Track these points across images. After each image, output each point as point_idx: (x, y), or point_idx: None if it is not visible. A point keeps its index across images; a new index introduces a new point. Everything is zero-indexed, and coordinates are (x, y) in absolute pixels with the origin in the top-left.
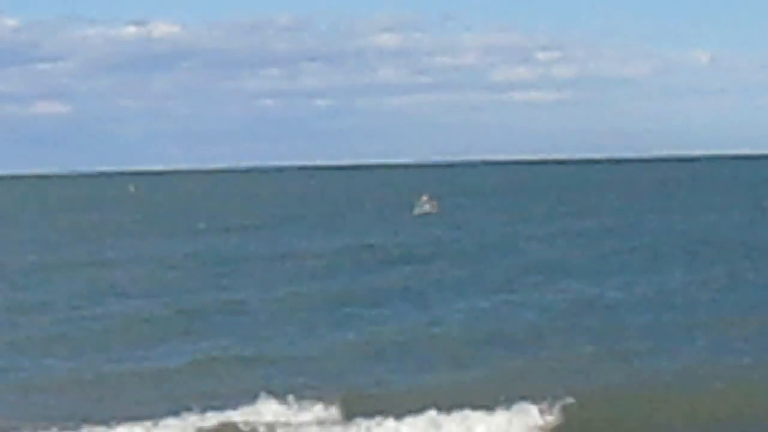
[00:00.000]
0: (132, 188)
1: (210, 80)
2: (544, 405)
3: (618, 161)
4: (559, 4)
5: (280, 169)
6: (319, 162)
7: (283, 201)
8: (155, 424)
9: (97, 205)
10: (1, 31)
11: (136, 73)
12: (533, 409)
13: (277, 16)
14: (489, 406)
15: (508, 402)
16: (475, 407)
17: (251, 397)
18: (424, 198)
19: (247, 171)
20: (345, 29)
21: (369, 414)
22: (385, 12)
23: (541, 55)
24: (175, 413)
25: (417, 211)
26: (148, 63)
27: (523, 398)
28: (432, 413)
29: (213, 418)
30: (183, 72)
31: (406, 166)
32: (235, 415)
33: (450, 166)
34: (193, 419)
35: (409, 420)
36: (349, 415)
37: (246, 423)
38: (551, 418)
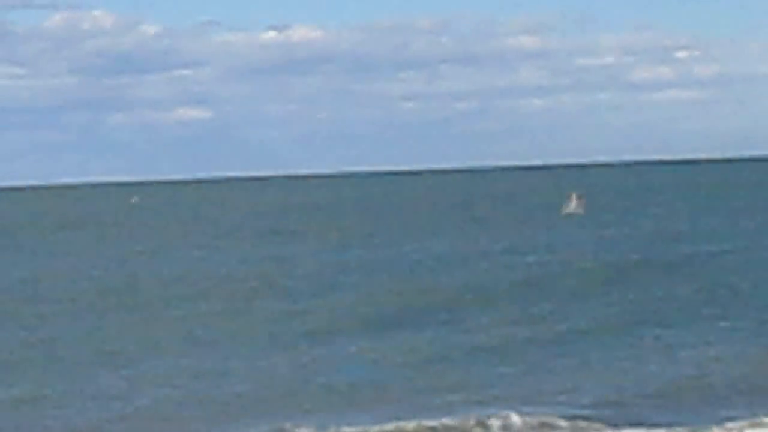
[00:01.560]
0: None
1: (350, 83)
2: None
3: (762, 160)
4: (699, 1)
5: (423, 172)
6: (461, 164)
7: (449, 203)
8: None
9: (282, 209)
10: (142, 39)
11: (276, 78)
12: None
13: (416, 19)
14: None
15: None
16: None
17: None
18: (573, 198)
19: (391, 174)
20: (484, 31)
21: None
22: (524, 14)
23: (681, 54)
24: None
25: (565, 210)
26: (288, 67)
27: None
28: None
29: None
30: (323, 76)
31: (546, 167)
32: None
33: (589, 166)
34: None
35: None
36: None
37: None
38: None
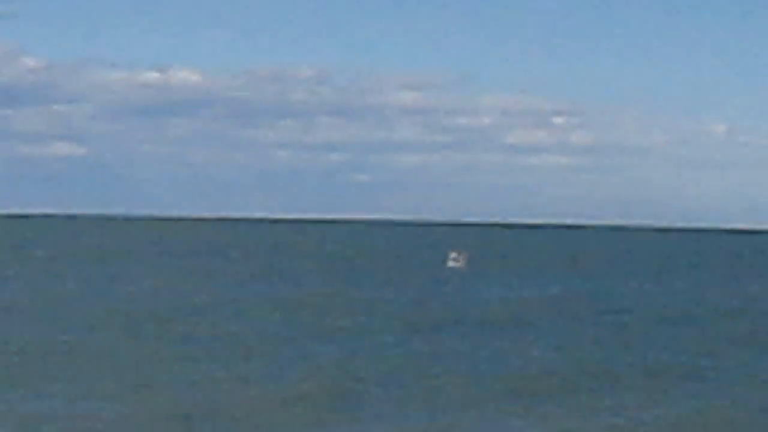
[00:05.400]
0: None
1: (227, 129)
2: None
3: (629, 229)
4: (580, 69)
5: (294, 221)
6: (331, 215)
7: (340, 254)
8: None
9: (188, 250)
10: (20, 71)
11: (155, 119)
12: None
13: (297, 68)
14: None
15: None
16: None
17: None
18: (453, 253)
19: (262, 221)
20: (365, 85)
21: None
22: (405, 70)
23: (558, 120)
24: None
25: (449, 265)
26: (167, 109)
27: None
28: None
29: None
30: (201, 119)
31: (417, 224)
32: None
33: (461, 225)
34: None
35: None
36: None
37: None
38: None
